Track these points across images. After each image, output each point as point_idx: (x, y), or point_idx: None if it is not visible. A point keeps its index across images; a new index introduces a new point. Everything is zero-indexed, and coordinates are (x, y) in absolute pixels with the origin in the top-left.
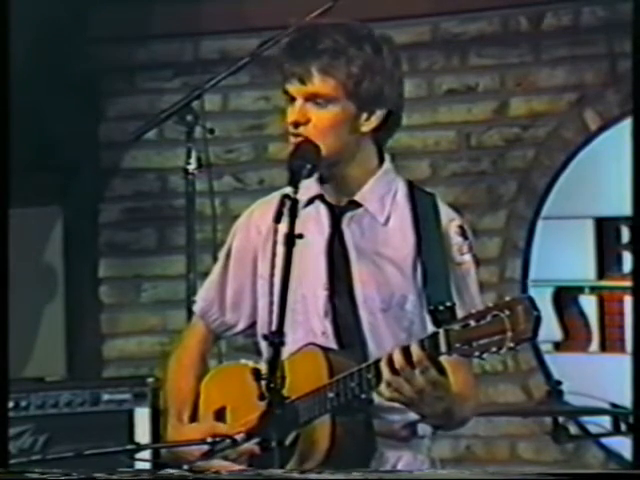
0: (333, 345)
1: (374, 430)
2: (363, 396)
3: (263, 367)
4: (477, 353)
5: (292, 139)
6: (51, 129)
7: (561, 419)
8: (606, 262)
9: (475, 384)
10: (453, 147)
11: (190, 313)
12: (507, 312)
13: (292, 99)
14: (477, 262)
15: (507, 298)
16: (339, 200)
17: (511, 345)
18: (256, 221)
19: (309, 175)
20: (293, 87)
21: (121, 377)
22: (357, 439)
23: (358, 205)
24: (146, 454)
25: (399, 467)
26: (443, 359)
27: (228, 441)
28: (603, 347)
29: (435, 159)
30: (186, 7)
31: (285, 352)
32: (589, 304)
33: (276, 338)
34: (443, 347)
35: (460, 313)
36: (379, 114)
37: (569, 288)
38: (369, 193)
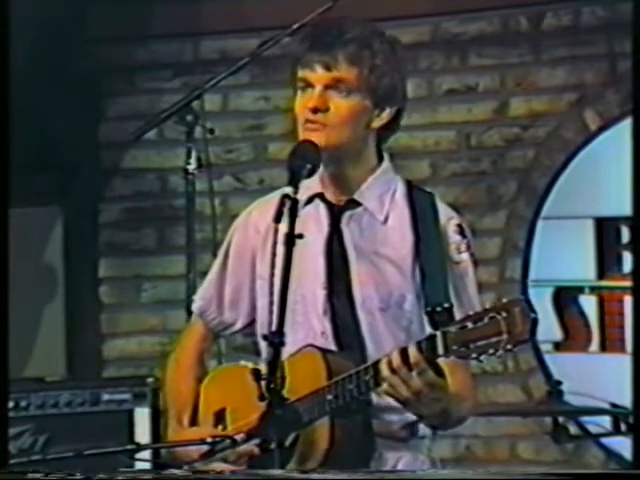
0: (332, 345)
1: (373, 431)
2: (361, 398)
3: (263, 368)
4: (474, 355)
5: (308, 126)
6: (51, 129)
7: (561, 419)
8: (606, 262)
9: (473, 385)
10: (453, 147)
11: (190, 313)
12: (504, 314)
13: (306, 86)
14: (475, 261)
15: (504, 300)
16: (338, 199)
17: (508, 347)
18: (255, 220)
19: (309, 175)
20: (314, 74)
21: (121, 377)
22: (356, 440)
23: (357, 204)
24: (146, 454)
25: (399, 467)
26: (441, 359)
27: (228, 441)
28: (603, 347)
29: (435, 159)
30: (186, 7)
31: (285, 353)
32: (589, 304)
33: (276, 338)
34: (441, 349)
35: (458, 314)
36: (390, 111)
37: (569, 288)
38: (368, 192)
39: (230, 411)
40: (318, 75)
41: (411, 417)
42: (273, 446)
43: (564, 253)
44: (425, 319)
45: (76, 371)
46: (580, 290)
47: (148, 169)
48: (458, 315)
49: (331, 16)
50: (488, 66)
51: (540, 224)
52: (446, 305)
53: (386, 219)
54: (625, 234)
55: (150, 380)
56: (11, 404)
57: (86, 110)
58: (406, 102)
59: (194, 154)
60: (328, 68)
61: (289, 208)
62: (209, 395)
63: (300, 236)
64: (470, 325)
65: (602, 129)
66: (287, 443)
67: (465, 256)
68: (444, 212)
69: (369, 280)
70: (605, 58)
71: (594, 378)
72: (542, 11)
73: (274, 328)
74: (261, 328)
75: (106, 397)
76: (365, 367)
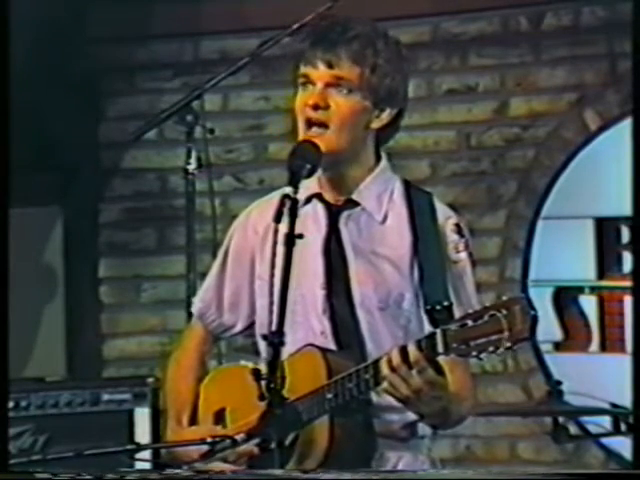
0: (332, 345)
1: (374, 430)
2: (361, 397)
3: (263, 368)
4: (474, 353)
5: (307, 123)
6: (51, 129)
7: (561, 419)
8: (606, 262)
9: (472, 384)
10: (453, 147)
11: (190, 313)
12: (504, 312)
13: (307, 83)
14: (473, 261)
15: (504, 298)
16: (337, 199)
17: (508, 345)
18: (254, 221)
19: (309, 175)
20: (316, 71)
21: (121, 377)
22: (356, 439)
23: (355, 204)
24: (146, 454)
25: (400, 467)
26: (440, 358)
27: (228, 441)
28: (603, 347)
29: (435, 159)
30: (186, 7)
31: (285, 353)
32: (589, 304)
33: (276, 338)
34: (440, 347)
35: (457, 312)
36: (390, 112)
37: (569, 288)
38: (366, 192)
39: (230, 411)
40: (320, 72)
41: (411, 417)
42: (273, 446)
43: (564, 253)
44: (424, 318)
45: (76, 371)
46: (580, 290)
47: (148, 169)
48: (457, 314)
49: (335, 13)
50: (488, 66)
51: (540, 224)
52: (445, 303)
53: (384, 219)
54: (625, 234)
55: (150, 380)
56: (11, 404)
57: (86, 110)
58: (407, 103)
59: (194, 154)
60: (330, 65)
61: (289, 208)
62: (209, 395)
63: (300, 236)
64: (470, 323)
65: (602, 129)
66: (287, 442)
67: (463, 255)
68: (442, 211)
69: (368, 279)
70: (605, 58)
71: (594, 378)
72: (542, 11)
73: (274, 328)
74: (260, 328)
75: (106, 397)
76: (365, 366)
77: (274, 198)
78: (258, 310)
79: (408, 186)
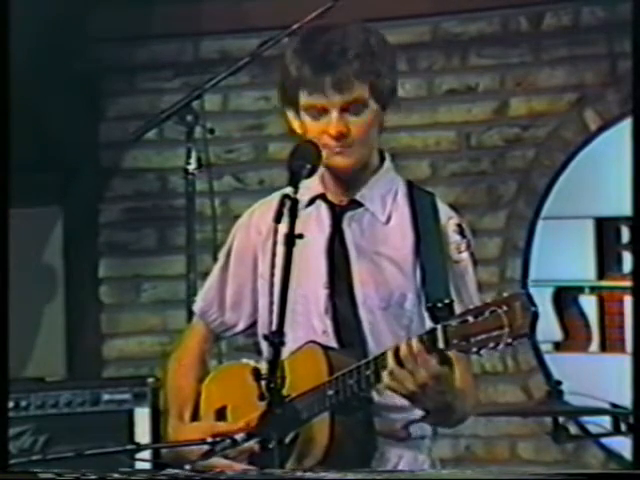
0: (334, 344)
1: (375, 429)
2: (362, 394)
3: (264, 367)
4: (475, 349)
5: (327, 148)
6: (51, 129)
7: (561, 419)
8: (606, 262)
9: (473, 381)
10: (453, 147)
11: (190, 313)
12: (505, 308)
13: (318, 112)
14: (475, 260)
15: (505, 294)
16: (340, 199)
17: (509, 341)
18: (256, 221)
19: (309, 175)
20: (326, 99)
21: (121, 377)
22: (357, 438)
23: (359, 204)
24: (146, 454)
25: (400, 467)
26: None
27: (228, 441)
28: (603, 347)
29: (435, 159)
30: (186, 7)
31: (286, 351)
32: (589, 304)
33: (276, 338)
34: (441, 343)
35: (458, 310)
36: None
37: (569, 288)
38: (370, 192)
39: (231, 409)
40: (331, 100)
41: (412, 416)
42: (273, 445)
43: (564, 253)
44: (426, 315)
45: (76, 371)
46: (580, 290)
47: (148, 169)
48: (459, 311)
49: (322, 25)
50: (488, 66)
51: (540, 224)
52: (447, 301)
53: (388, 219)
54: (625, 234)
55: (150, 380)
56: (11, 404)
57: (86, 110)
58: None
59: (194, 154)
60: (341, 91)
61: (289, 208)
62: (210, 393)
63: (300, 236)
64: (471, 319)
65: (602, 129)
66: (287, 441)
67: (465, 255)
68: (444, 212)
69: (370, 279)
70: (605, 58)
71: (594, 378)
72: (542, 11)
73: (274, 328)
74: (262, 328)
75: (106, 397)
76: (366, 362)
77: (277, 198)
78: (260, 310)
79: (411, 187)
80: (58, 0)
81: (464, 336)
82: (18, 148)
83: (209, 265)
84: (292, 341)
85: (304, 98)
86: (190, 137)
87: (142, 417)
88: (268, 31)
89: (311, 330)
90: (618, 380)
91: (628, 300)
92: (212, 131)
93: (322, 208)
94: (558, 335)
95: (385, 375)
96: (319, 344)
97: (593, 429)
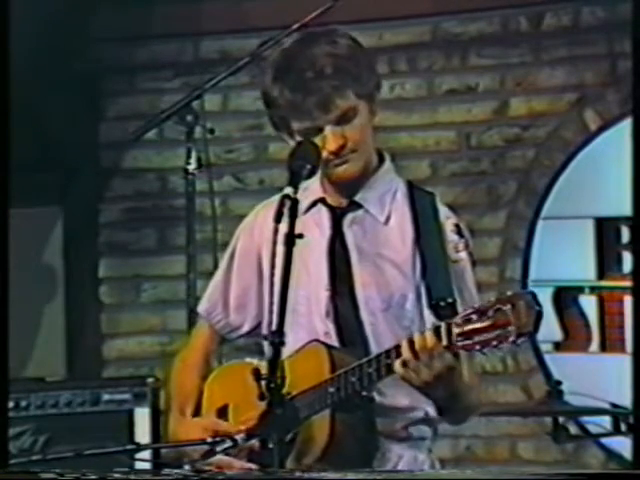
0: (335, 345)
1: (376, 429)
2: (364, 393)
3: (265, 366)
4: (478, 347)
5: (328, 162)
6: (51, 129)
7: (561, 419)
8: (606, 262)
9: (478, 381)
10: (453, 147)
11: (190, 313)
12: (509, 306)
13: (314, 132)
14: (473, 260)
15: (509, 293)
16: (340, 201)
17: (512, 339)
18: (260, 222)
19: (309, 175)
20: (315, 121)
21: (121, 377)
22: (357, 436)
23: (359, 206)
24: (146, 454)
25: (400, 467)
26: None
27: (229, 441)
28: (603, 347)
29: (435, 159)
30: (186, 7)
31: (288, 351)
32: (589, 304)
33: (276, 338)
34: (445, 341)
35: (460, 310)
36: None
37: (569, 288)
38: (369, 193)
39: (232, 408)
40: (322, 120)
41: (412, 417)
42: (273, 445)
43: (564, 253)
44: (428, 316)
45: (76, 371)
46: (580, 290)
47: (148, 169)
48: (460, 311)
49: (290, 50)
50: (488, 66)
51: (540, 224)
52: (450, 300)
53: (387, 220)
54: (625, 234)
55: (150, 380)
56: (11, 404)
57: (86, 110)
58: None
59: (194, 154)
60: (327, 110)
61: (289, 208)
62: (212, 392)
63: (300, 236)
64: (475, 317)
65: (602, 129)
66: (287, 439)
67: (463, 255)
68: (443, 212)
69: (371, 281)
70: (605, 58)
71: (594, 378)
72: (542, 11)
73: (274, 328)
74: (264, 328)
75: (106, 397)
76: (368, 360)
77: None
78: (264, 310)
79: (411, 187)
80: (58, 0)
81: (468, 334)
82: (18, 148)
83: (209, 265)
84: (294, 342)
85: (295, 124)
86: (190, 137)
87: (142, 417)
88: (268, 31)
89: (313, 331)
90: (618, 380)
91: (628, 300)
92: (212, 131)
93: (322, 211)
94: (558, 335)
95: (399, 366)
96: (322, 343)
97: (593, 429)
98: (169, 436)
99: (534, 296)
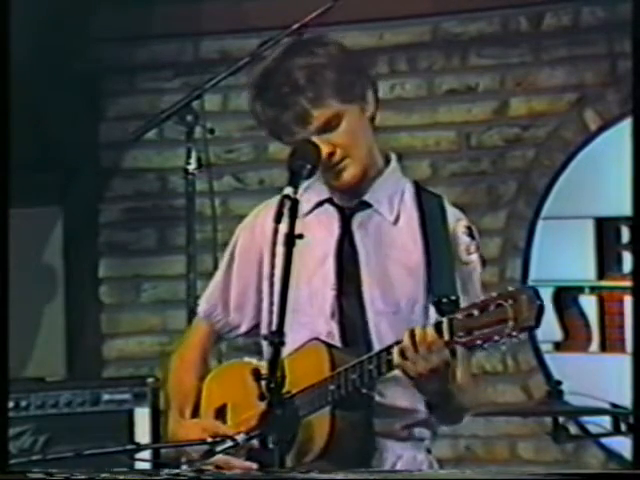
0: (338, 345)
1: (375, 428)
2: (364, 391)
3: (265, 366)
4: (479, 342)
5: (334, 173)
6: (51, 129)
7: (561, 419)
8: (606, 262)
9: (473, 382)
10: (453, 147)
11: (190, 313)
12: (510, 301)
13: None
14: (483, 262)
15: (510, 288)
16: (348, 201)
17: (514, 333)
18: (261, 223)
19: (309, 175)
20: (298, 135)
21: (121, 377)
22: (357, 435)
23: (367, 205)
24: (146, 454)
25: (398, 467)
26: None
27: (229, 442)
28: (603, 347)
29: (435, 159)
30: (186, 7)
31: (288, 350)
32: (589, 304)
33: (276, 338)
34: (446, 335)
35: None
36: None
37: (569, 288)
38: (377, 193)
39: (231, 407)
40: (303, 133)
41: (412, 418)
42: (273, 445)
43: (564, 253)
44: (432, 310)
45: (76, 371)
46: (580, 290)
47: (148, 169)
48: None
49: (268, 66)
50: (488, 66)
51: (540, 224)
52: (453, 297)
53: (396, 220)
54: (625, 234)
55: (150, 380)
56: (11, 404)
57: (86, 110)
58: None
59: (194, 154)
60: (306, 123)
61: (289, 208)
62: (211, 391)
63: (300, 236)
64: (476, 312)
65: (602, 129)
66: (287, 438)
67: (474, 257)
68: (452, 214)
69: (379, 282)
70: (605, 58)
71: (594, 378)
72: (542, 11)
73: (274, 328)
74: (263, 328)
75: (106, 397)
76: (369, 357)
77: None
78: (263, 310)
79: (418, 188)
80: (58, 0)
81: (469, 329)
82: (18, 148)
83: (209, 265)
84: (297, 341)
85: (283, 138)
86: (190, 137)
87: (142, 417)
88: (268, 31)
89: (316, 331)
90: (618, 380)
91: (628, 300)
92: (212, 131)
93: (330, 211)
94: (558, 335)
95: (396, 354)
96: (323, 341)
97: (593, 429)
98: (169, 436)
99: (536, 291)
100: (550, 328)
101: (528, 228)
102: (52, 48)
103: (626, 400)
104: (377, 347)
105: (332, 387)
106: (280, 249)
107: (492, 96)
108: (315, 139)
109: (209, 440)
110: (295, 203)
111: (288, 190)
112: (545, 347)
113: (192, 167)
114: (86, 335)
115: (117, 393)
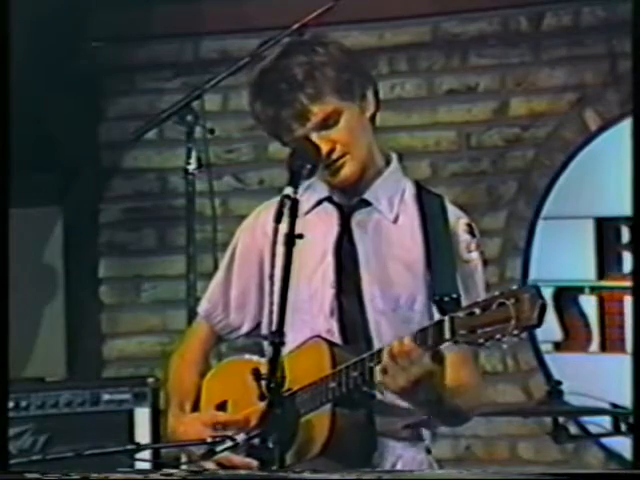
0: (338, 342)
1: (375, 427)
2: (365, 389)
3: (265, 365)
4: (481, 340)
5: (332, 171)
6: (51, 129)
7: (561, 419)
8: (606, 262)
9: (478, 380)
10: (453, 147)
11: (190, 313)
12: (512, 300)
13: (305, 140)
14: (484, 260)
15: (513, 287)
16: (348, 199)
17: (515, 332)
18: (262, 223)
19: (309, 175)
20: (297, 132)
21: (121, 377)
22: (357, 433)
23: (367, 204)
24: (146, 454)
25: (399, 466)
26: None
27: (229, 441)
28: (603, 347)
29: (435, 159)
30: (186, 7)
31: (289, 348)
32: (589, 304)
33: (276, 338)
34: (447, 334)
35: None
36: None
37: (569, 288)
38: (378, 192)
39: (232, 404)
40: (303, 130)
41: (413, 418)
42: (273, 445)
43: (564, 253)
44: (434, 309)
45: (76, 371)
46: (580, 290)
47: (148, 169)
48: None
49: (266, 65)
50: (488, 66)
51: (540, 224)
52: (454, 295)
53: (396, 219)
54: (625, 234)
55: (150, 380)
56: (11, 404)
57: (86, 110)
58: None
59: (194, 154)
60: (304, 121)
61: (289, 208)
62: (211, 389)
63: (300, 236)
64: (478, 311)
65: (602, 129)
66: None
67: (475, 255)
68: (453, 212)
69: (379, 279)
70: (605, 58)
71: (594, 378)
72: (542, 11)
73: (274, 328)
74: (264, 328)
75: (106, 397)
76: (370, 354)
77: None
78: (264, 311)
79: (419, 188)
80: (58, 0)
81: (471, 328)
82: (18, 148)
83: (209, 265)
84: (298, 340)
85: (283, 137)
86: (190, 137)
87: (142, 417)
88: (268, 31)
89: (316, 329)
90: (618, 380)
91: (628, 300)
92: (212, 131)
93: (330, 209)
94: (558, 335)
95: (378, 372)
96: (324, 339)
97: (593, 429)
98: (168, 432)
99: (538, 290)
100: (550, 328)
101: (528, 228)
102: (52, 48)
103: (626, 400)
104: (377, 345)
105: (333, 385)
106: (280, 249)
107: (492, 96)
108: (314, 136)
109: (209, 439)
110: (295, 203)
111: (288, 190)
112: (545, 347)
113: (192, 167)
114: (86, 335)
115: (117, 393)
